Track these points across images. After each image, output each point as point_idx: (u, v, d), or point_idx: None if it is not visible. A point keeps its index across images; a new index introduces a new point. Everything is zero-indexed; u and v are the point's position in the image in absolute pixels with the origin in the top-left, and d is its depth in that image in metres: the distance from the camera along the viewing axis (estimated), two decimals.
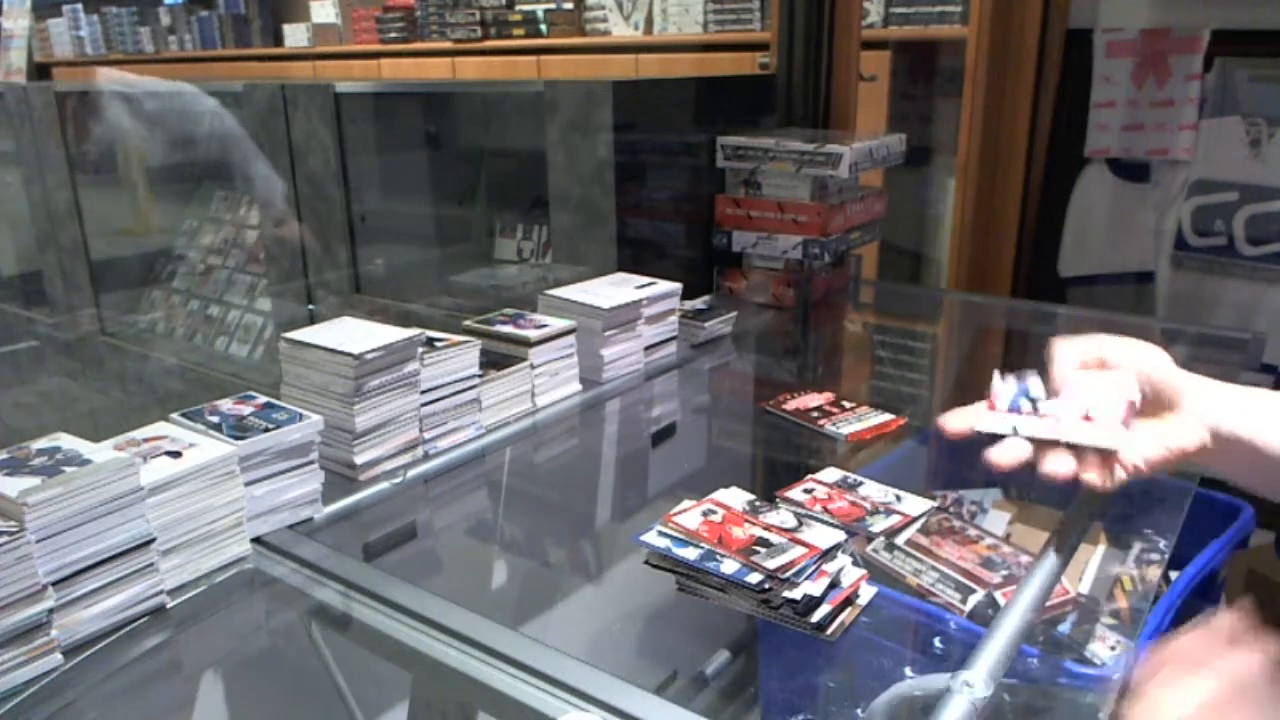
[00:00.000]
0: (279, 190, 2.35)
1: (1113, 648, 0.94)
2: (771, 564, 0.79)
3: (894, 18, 2.89)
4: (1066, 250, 2.28)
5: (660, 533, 0.86)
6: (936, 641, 0.97)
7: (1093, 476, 0.72)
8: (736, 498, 0.96)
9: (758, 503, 0.96)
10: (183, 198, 3.29)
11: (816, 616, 0.79)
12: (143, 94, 2.77)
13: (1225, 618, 0.70)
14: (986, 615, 0.94)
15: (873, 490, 1.08)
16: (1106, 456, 0.72)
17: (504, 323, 1.28)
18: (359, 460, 1.04)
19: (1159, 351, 0.82)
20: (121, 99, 2.79)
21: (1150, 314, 2.18)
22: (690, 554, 0.82)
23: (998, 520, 1.20)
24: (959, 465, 1.38)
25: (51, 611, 0.75)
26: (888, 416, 1.31)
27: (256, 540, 0.92)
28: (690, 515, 0.89)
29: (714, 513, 0.90)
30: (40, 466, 0.77)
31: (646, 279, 1.45)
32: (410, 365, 1.07)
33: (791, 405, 1.35)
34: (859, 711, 0.96)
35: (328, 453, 1.03)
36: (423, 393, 1.10)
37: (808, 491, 1.05)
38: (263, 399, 1.00)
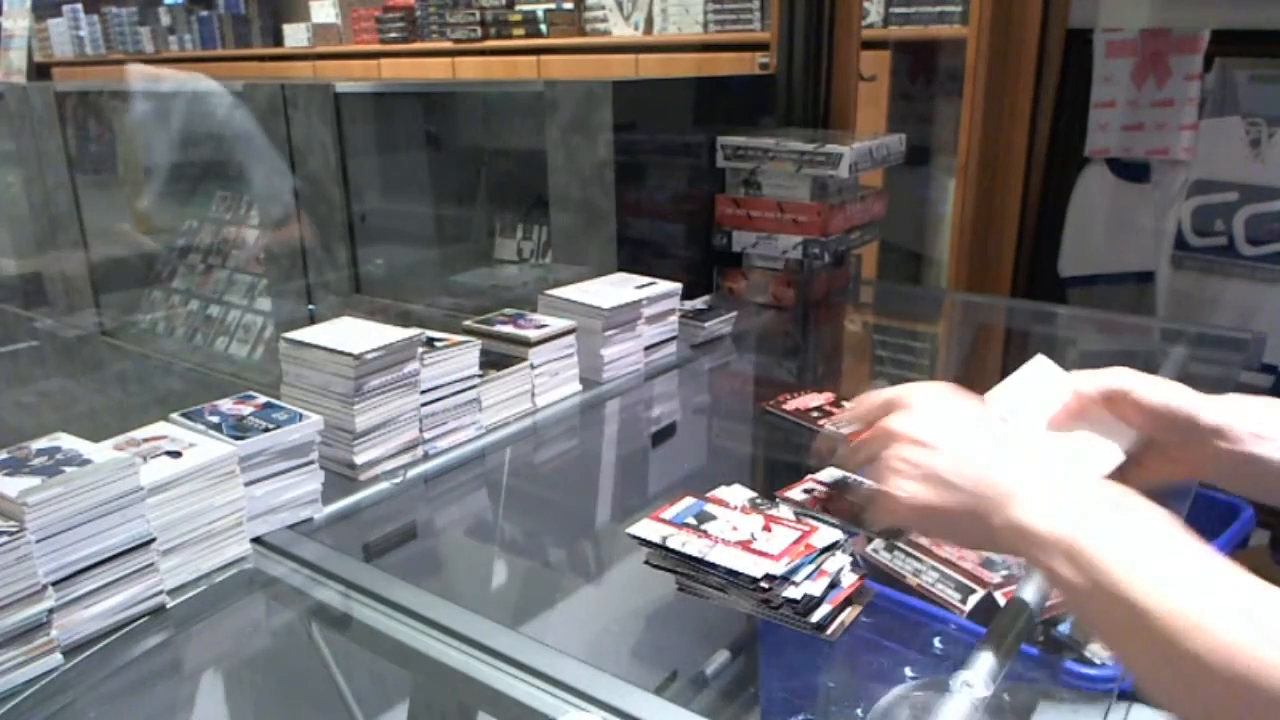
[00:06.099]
0: (286, 187, 2.35)
1: None
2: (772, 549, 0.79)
3: (894, 18, 2.89)
4: (1066, 250, 2.28)
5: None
6: (936, 641, 0.97)
7: None
8: (738, 495, 0.96)
9: (759, 500, 0.96)
10: (184, 198, 3.29)
11: (816, 616, 0.79)
12: (172, 91, 2.76)
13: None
14: (986, 615, 0.94)
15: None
16: None
17: (504, 323, 1.28)
18: (359, 460, 1.04)
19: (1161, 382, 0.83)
20: (152, 97, 2.79)
21: (1150, 314, 2.18)
22: (688, 547, 0.82)
23: None
24: None
25: (51, 611, 0.75)
26: None
27: (256, 540, 0.92)
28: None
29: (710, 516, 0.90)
30: (40, 466, 0.77)
31: (646, 279, 1.45)
32: (410, 365, 1.07)
33: (791, 405, 1.35)
34: (859, 712, 0.96)
35: (328, 453, 1.03)
36: (423, 393, 1.10)
37: (808, 491, 1.05)
38: (263, 399, 1.00)
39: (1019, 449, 0.71)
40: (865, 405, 0.82)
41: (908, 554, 1.08)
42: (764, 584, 0.77)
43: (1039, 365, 0.88)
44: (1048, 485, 0.66)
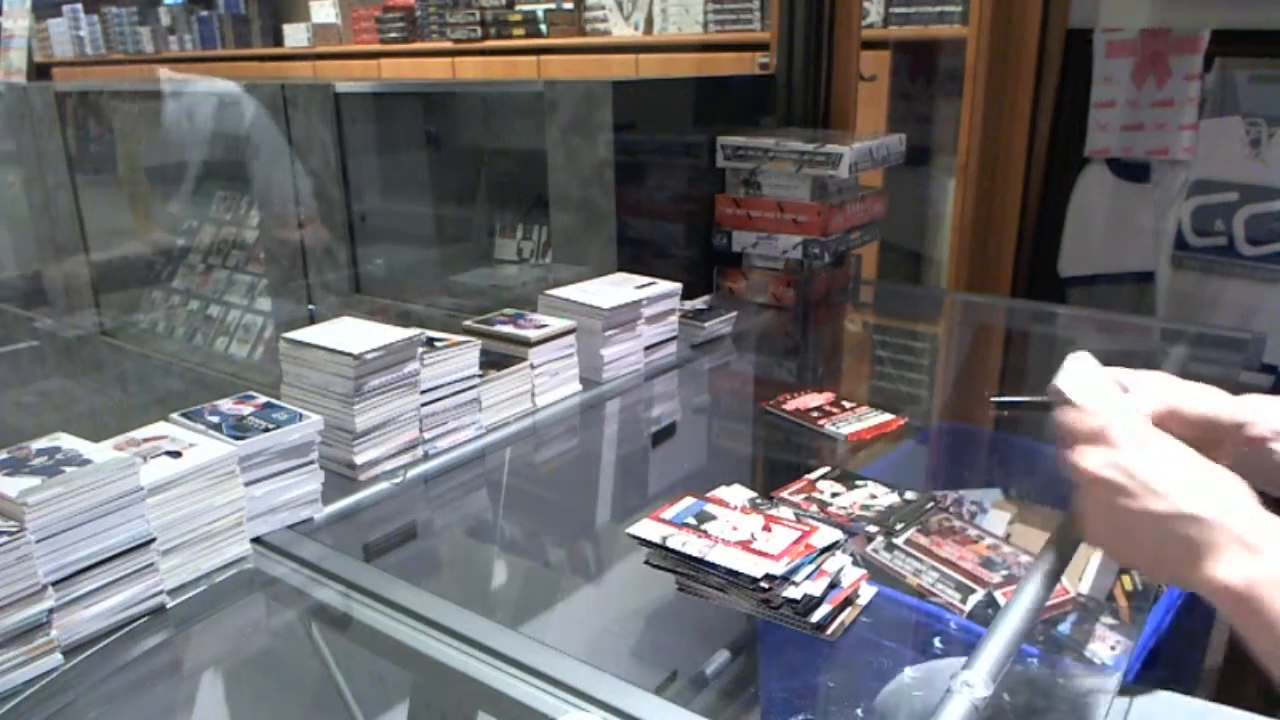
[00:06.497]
0: (306, 189, 2.36)
1: (1113, 648, 0.94)
2: (772, 549, 0.79)
3: (894, 18, 2.89)
4: (1066, 250, 2.28)
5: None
6: (936, 641, 0.97)
7: None
8: (738, 495, 0.96)
9: (758, 500, 0.96)
10: (186, 198, 3.29)
11: (816, 616, 0.79)
12: (197, 93, 2.77)
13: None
14: (986, 615, 0.94)
15: (874, 490, 1.08)
16: None
17: (504, 323, 1.28)
18: (359, 460, 1.04)
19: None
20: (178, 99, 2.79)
21: (1150, 314, 2.18)
22: (688, 547, 0.82)
23: (998, 520, 1.20)
24: (959, 465, 1.38)
25: (51, 611, 0.75)
26: (888, 416, 1.31)
27: (256, 540, 0.92)
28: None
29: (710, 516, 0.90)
30: (40, 466, 0.77)
31: (646, 279, 1.45)
32: (410, 365, 1.07)
33: (791, 405, 1.35)
34: (859, 711, 0.96)
35: (328, 453, 1.03)
36: (423, 393, 1.10)
37: (807, 492, 1.05)
38: (263, 399, 1.00)
39: (1218, 490, 0.69)
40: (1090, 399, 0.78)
41: (908, 554, 1.08)
42: (764, 584, 0.78)
43: (1083, 361, 0.84)
44: (1244, 541, 0.65)
